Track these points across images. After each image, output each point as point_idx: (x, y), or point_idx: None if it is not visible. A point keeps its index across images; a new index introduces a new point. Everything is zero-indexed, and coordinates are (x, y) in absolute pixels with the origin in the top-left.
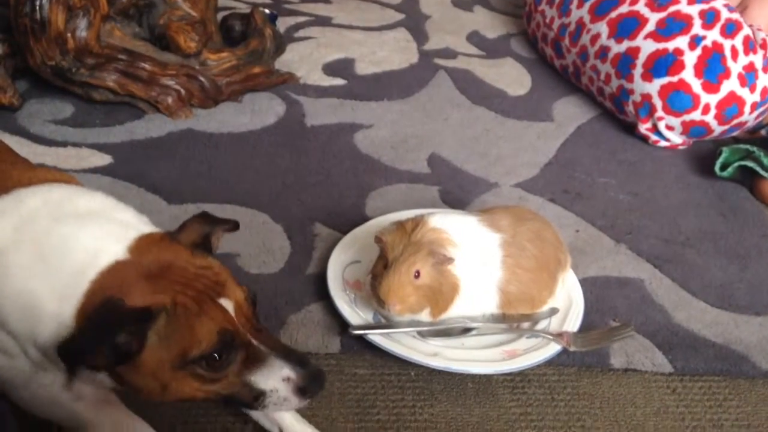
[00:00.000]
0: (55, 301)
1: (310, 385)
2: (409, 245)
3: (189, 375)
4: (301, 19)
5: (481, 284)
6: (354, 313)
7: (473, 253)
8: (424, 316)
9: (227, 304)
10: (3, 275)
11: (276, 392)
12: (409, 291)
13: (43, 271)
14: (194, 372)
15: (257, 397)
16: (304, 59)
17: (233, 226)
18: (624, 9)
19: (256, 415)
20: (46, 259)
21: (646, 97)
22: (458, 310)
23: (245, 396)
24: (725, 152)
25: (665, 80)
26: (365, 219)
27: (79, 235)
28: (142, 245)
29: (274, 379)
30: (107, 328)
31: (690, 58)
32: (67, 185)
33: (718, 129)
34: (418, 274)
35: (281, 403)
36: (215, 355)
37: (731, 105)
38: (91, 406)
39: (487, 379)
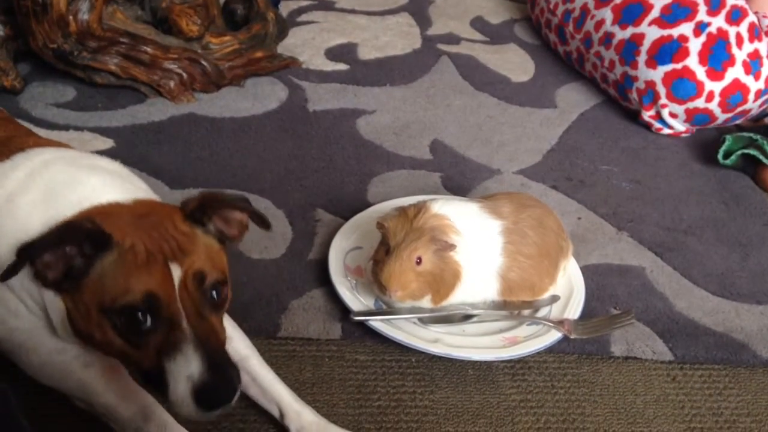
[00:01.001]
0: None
1: (207, 393)
2: (411, 231)
3: (111, 326)
4: (304, 3)
5: (483, 271)
6: (355, 300)
7: (475, 240)
8: (426, 302)
9: (175, 272)
10: (10, 215)
11: (176, 387)
12: (410, 277)
13: (44, 207)
14: (115, 324)
15: (165, 387)
16: (307, 44)
17: (260, 221)
18: None
19: (254, 394)
20: (50, 195)
21: (650, 84)
22: (460, 297)
23: (157, 380)
24: (728, 140)
25: (669, 67)
26: (367, 205)
27: (90, 179)
28: (148, 202)
29: (179, 372)
30: (64, 236)
31: (695, 45)
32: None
33: (721, 117)
34: (419, 261)
35: (178, 402)
36: (138, 314)
37: (735, 93)
38: (100, 373)
39: (487, 365)
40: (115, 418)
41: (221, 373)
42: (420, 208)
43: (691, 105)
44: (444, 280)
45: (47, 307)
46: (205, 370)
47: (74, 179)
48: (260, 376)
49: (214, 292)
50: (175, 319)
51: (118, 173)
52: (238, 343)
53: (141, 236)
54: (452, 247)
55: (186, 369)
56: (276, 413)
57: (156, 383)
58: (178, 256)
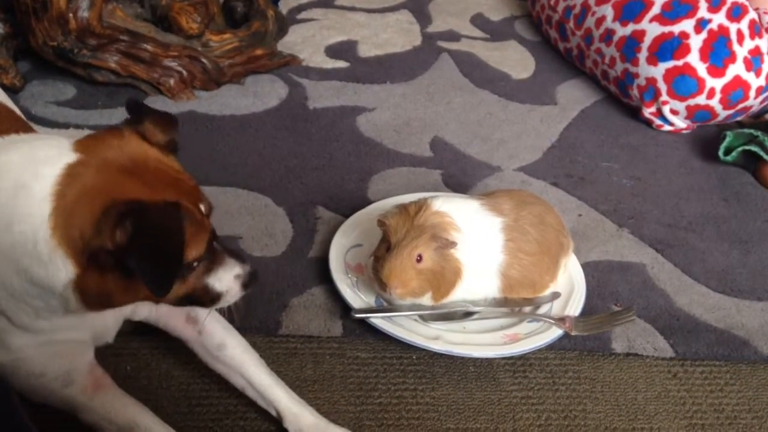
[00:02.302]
0: (3, 229)
1: (252, 279)
2: (412, 229)
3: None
4: (304, 0)
5: (484, 268)
6: (356, 297)
7: (476, 237)
8: (426, 299)
9: (204, 209)
10: None
11: (230, 291)
12: (411, 275)
13: None
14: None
15: (214, 299)
16: (307, 41)
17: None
18: None
19: (252, 395)
20: None
21: (651, 81)
22: (460, 295)
23: (202, 296)
24: (729, 137)
25: (670, 64)
26: (367, 202)
27: (6, 156)
28: (92, 143)
29: (228, 278)
30: (171, 233)
31: (695, 41)
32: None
33: (722, 113)
34: (420, 258)
35: (231, 296)
36: (195, 262)
37: (736, 89)
38: (81, 391)
39: (488, 362)
40: (103, 430)
41: (244, 258)
42: (421, 205)
43: (692, 102)
44: (445, 277)
45: (54, 302)
46: (241, 264)
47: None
48: (256, 382)
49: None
50: (213, 249)
51: (28, 140)
52: (234, 350)
53: (174, 193)
54: (453, 244)
55: (231, 272)
56: (275, 415)
57: (195, 301)
58: (198, 197)
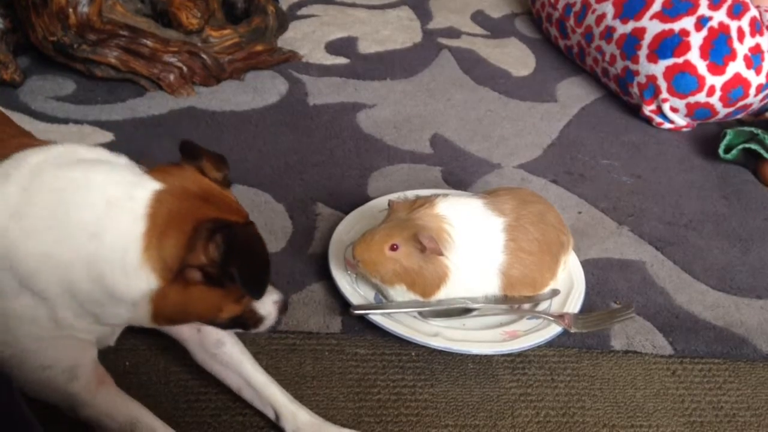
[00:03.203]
0: (86, 240)
1: (285, 305)
2: (401, 219)
3: (235, 299)
4: None
5: (483, 269)
6: (355, 293)
7: (476, 240)
8: (401, 292)
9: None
10: (24, 238)
11: (269, 316)
12: (379, 258)
13: (67, 216)
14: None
15: (257, 322)
16: (307, 37)
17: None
18: None
19: (249, 397)
20: (65, 201)
21: (651, 79)
22: (458, 294)
23: (248, 319)
24: (729, 134)
25: (671, 61)
26: (367, 199)
27: (92, 174)
28: (168, 174)
29: (269, 304)
30: (258, 242)
31: (696, 39)
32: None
33: (722, 111)
34: (395, 248)
35: (269, 320)
36: None
37: (736, 87)
38: (85, 387)
39: (487, 359)
40: (102, 427)
41: (276, 285)
42: (426, 202)
43: (692, 99)
44: (424, 277)
45: (121, 308)
46: (278, 291)
47: (80, 187)
48: (253, 379)
49: None
50: None
51: (107, 160)
52: (232, 348)
53: (240, 218)
54: (435, 251)
55: (271, 298)
56: (271, 415)
57: (242, 324)
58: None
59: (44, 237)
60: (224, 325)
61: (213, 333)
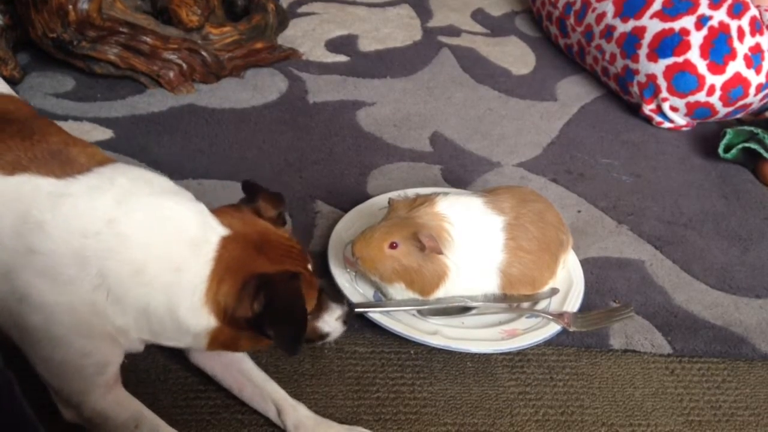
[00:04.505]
0: (171, 271)
1: (349, 315)
2: (401, 218)
3: None
4: None
5: (483, 268)
6: (354, 291)
7: (476, 239)
8: (399, 290)
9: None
10: (117, 246)
11: (334, 330)
12: (378, 256)
13: (161, 241)
14: None
15: (322, 337)
16: (307, 35)
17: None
18: None
19: (249, 395)
20: (159, 229)
21: (651, 78)
22: (457, 292)
23: (312, 337)
24: (729, 134)
25: (671, 61)
26: (367, 197)
27: (182, 209)
28: (231, 219)
29: (332, 320)
30: (296, 303)
31: (696, 38)
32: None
33: (722, 110)
34: (394, 246)
35: (335, 334)
36: None
37: (736, 86)
38: (104, 381)
39: (486, 358)
40: (107, 424)
41: (341, 298)
42: (426, 200)
43: (692, 98)
44: (422, 276)
45: (186, 332)
46: (341, 306)
47: (174, 215)
48: (254, 376)
49: None
50: (320, 298)
51: (179, 192)
52: None
53: (290, 263)
54: (435, 250)
55: (334, 315)
56: (272, 411)
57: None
58: (306, 260)
59: (137, 251)
60: None
61: None
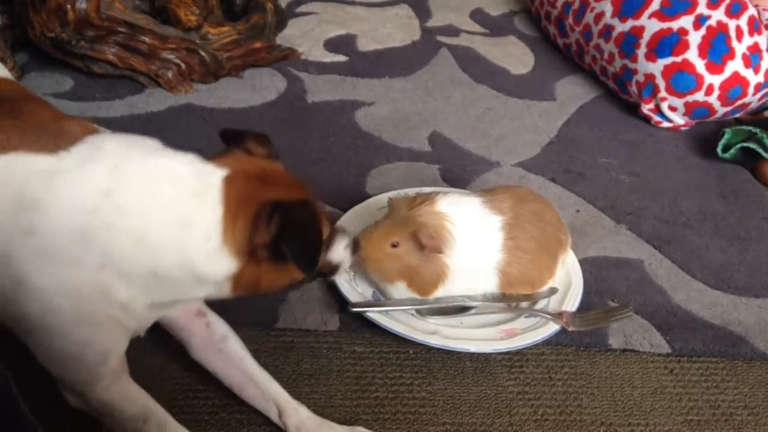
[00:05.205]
0: (179, 228)
1: (356, 242)
2: (402, 217)
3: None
4: None
5: (482, 268)
6: (353, 291)
7: (474, 239)
8: (401, 289)
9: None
10: (116, 217)
11: (345, 260)
12: (379, 255)
13: (161, 202)
14: None
15: (333, 270)
16: (306, 35)
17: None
18: None
19: (251, 395)
20: (156, 191)
21: (650, 77)
22: (456, 292)
23: (323, 270)
24: (728, 133)
25: (669, 60)
26: (365, 197)
27: (175, 164)
28: (226, 160)
29: (340, 250)
30: (310, 219)
31: (694, 38)
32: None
33: (721, 110)
34: (396, 245)
35: (344, 264)
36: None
37: (735, 86)
38: (110, 370)
39: (485, 357)
40: (114, 416)
41: (344, 228)
42: (426, 199)
43: (690, 98)
44: (422, 275)
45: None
46: (347, 236)
47: (169, 171)
48: (257, 376)
49: None
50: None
51: (167, 149)
52: (235, 344)
53: (294, 191)
54: (436, 249)
55: (341, 245)
56: (273, 412)
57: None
58: (309, 189)
59: (137, 220)
60: (301, 281)
61: (219, 328)
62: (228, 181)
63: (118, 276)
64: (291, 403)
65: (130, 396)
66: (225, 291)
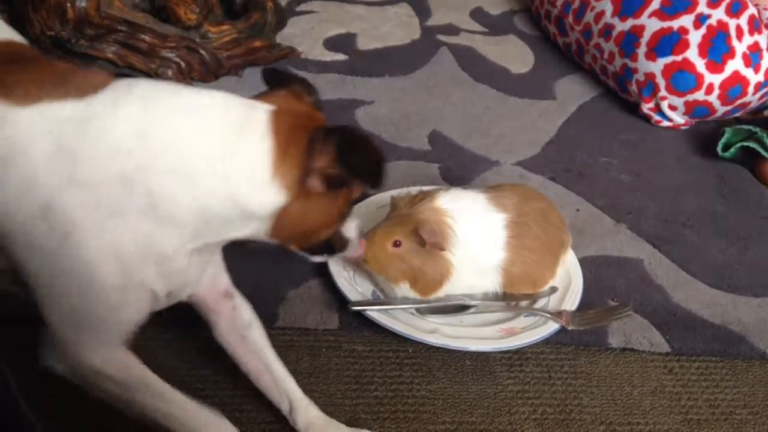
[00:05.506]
0: (223, 162)
1: (361, 229)
2: (402, 215)
3: (343, 205)
4: None
5: (483, 266)
6: (353, 290)
7: (477, 236)
8: (405, 289)
9: None
10: (154, 158)
11: (354, 240)
12: (381, 255)
13: (199, 138)
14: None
15: (342, 246)
16: (306, 34)
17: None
18: None
19: (266, 383)
20: (193, 126)
21: (650, 77)
22: (458, 291)
23: (337, 243)
24: (728, 133)
25: (669, 59)
26: (365, 195)
27: (210, 99)
28: (271, 98)
29: (352, 228)
30: (368, 138)
31: (694, 37)
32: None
33: (721, 109)
34: (398, 244)
35: (352, 248)
36: None
37: (735, 85)
38: (122, 338)
39: (484, 356)
40: (103, 384)
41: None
42: (426, 195)
43: (690, 97)
44: (425, 274)
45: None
46: (354, 217)
47: (207, 106)
48: (274, 367)
49: None
50: None
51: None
52: (258, 332)
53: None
54: (437, 245)
55: (353, 223)
56: (285, 405)
57: (330, 246)
58: None
59: (176, 161)
60: (317, 250)
61: (245, 314)
62: (276, 115)
63: (163, 222)
64: (303, 401)
65: (124, 363)
66: (267, 229)
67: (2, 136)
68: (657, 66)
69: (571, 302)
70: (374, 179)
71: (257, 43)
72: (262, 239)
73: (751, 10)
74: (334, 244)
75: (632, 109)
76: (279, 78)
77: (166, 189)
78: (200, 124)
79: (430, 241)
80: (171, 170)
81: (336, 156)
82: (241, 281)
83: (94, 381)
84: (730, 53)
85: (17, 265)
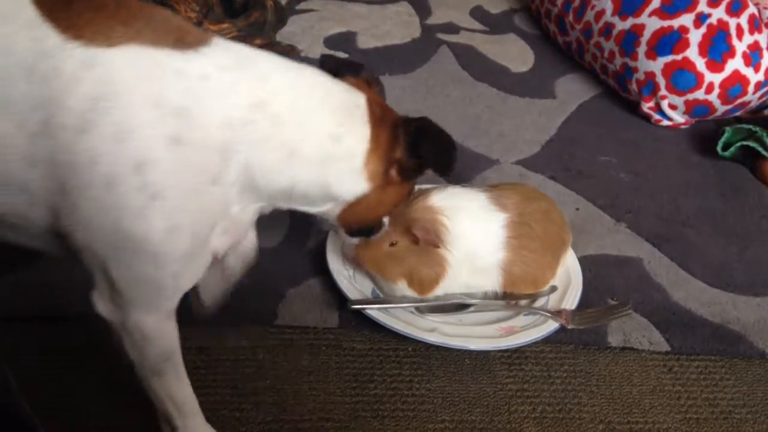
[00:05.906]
0: (330, 141)
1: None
2: (398, 214)
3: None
4: None
5: (483, 265)
6: (352, 288)
7: (475, 235)
8: (403, 288)
9: None
10: (270, 129)
11: (385, 223)
12: (379, 255)
13: (317, 115)
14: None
15: (376, 228)
16: (306, 32)
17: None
18: None
19: None
20: (309, 102)
21: (650, 76)
22: (458, 289)
23: (376, 225)
24: (727, 132)
25: (669, 58)
26: None
27: (319, 76)
28: (354, 83)
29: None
30: (443, 130)
31: (695, 36)
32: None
33: (721, 108)
34: (394, 243)
35: (384, 229)
36: None
37: (735, 84)
38: (171, 305)
39: (484, 355)
40: (144, 345)
41: None
42: (420, 194)
43: (690, 96)
44: (420, 272)
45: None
46: None
47: (323, 85)
48: None
49: None
50: None
51: None
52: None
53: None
54: (431, 243)
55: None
56: None
57: (365, 232)
58: None
59: (292, 134)
60: (360, 232)
61: None
62: (369, 103)
63: (247, 191)
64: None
65: (167, 332)
66: (338, 212)
67: (92, 77)
68: (657, 65)
69: (571, 301)
70: (446, 168)
71: (257, 42)
72: (324, 218)
73: (752, 9)
74: (371, 225)
75: (632, 108)
76: (338, 64)
77: (266, 164)
78: (315, 102)
79: (423, 238)
80: (280, 146)
81: (411, 146)
82: (241, 280)
83: (138, 340)
84: (731, 52)
85: (74, 221)
